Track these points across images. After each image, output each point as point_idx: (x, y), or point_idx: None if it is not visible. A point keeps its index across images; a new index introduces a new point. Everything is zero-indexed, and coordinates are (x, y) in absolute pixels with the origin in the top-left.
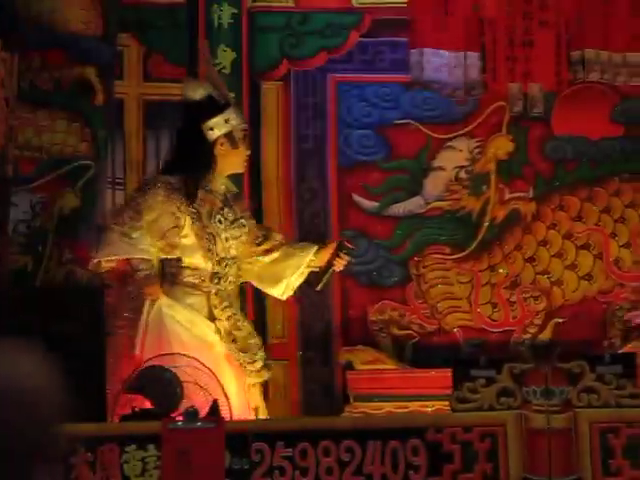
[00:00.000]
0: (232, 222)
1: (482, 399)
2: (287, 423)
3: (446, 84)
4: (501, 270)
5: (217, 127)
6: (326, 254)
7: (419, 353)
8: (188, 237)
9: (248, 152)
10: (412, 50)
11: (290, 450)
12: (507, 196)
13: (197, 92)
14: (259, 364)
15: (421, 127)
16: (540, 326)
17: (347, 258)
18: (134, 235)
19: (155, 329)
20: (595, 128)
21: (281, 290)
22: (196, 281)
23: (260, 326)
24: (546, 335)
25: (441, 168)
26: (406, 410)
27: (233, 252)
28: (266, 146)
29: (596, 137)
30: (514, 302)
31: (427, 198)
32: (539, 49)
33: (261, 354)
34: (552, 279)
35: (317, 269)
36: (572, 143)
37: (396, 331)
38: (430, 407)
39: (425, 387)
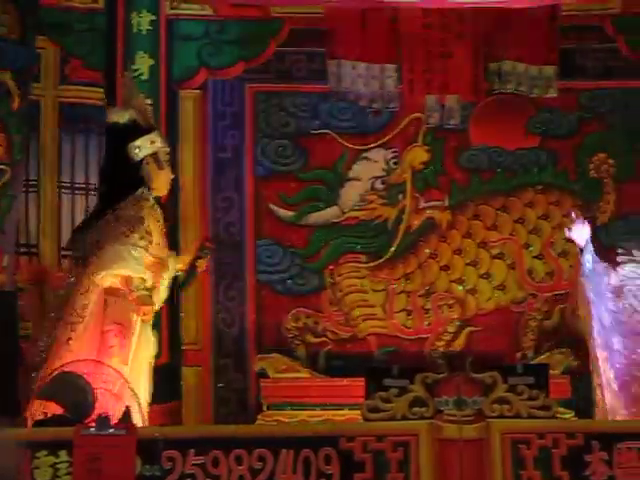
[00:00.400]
0: None
1: (395, 408)
2: (199, 430)
3: (363, 95)
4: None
5: (143, 147)
6: (188, 257)
7: (333, 361)
8: None
9: (172, 175)
10: (330, 60)
11: (202, 458)
12: (422, 205)
13: (123, 117)
14: None
15: (338, 137)
16: (454, 334)
17: (208, 258)
18: (143, 254)
19: (138, 346)
20: (511, 139)
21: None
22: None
23: (175, 333)
24: (459, 343)
25: (357, 178)
26: (319, 419)
27: None
28: (183, 155)
29: (512, 148)
30: (428, 310)
31: (343, 207)
32: (456, 61)
33: None
34: (466, 287)
35: (181, 272)
36: (488, 153)
37: (311, 339)
38: (342, 416)
39: (338, 396)
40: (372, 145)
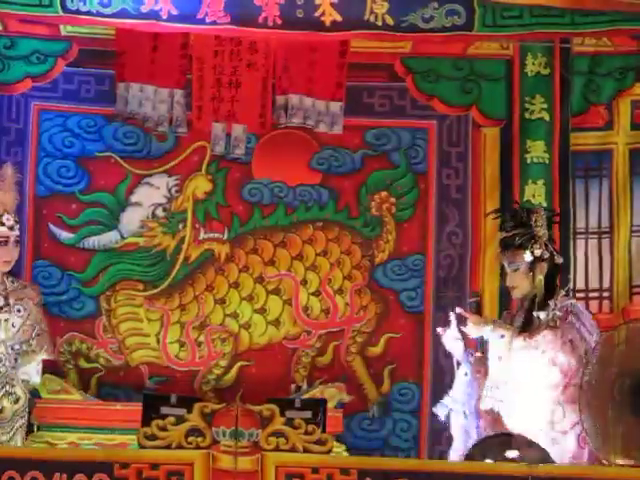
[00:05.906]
0: None
1: (171, 437)
2: None
3: (149, 119)
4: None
5: None
6: None
7: (104, 386)
8: None
9: None
10: (118, 83)
11: None
12: (202, 236)
13: None
14: None
15: (121, 161)
16: (226, 367)
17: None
18: None
19: None
20: (294, 174)
21: None
22: None
23: None
24: (231, 377)
25: (138, 204)
26: (89, 442)
27: None
28: None
29: (294, 183)
30: (202, 342)
31: (123, 233)
32: (245, 91)
33: None
34: (241, 322)
35: None
36: (270, 187)
37: (83, 364)
38: (113, 440)
39: (110, 420)
40: (155, 171)
